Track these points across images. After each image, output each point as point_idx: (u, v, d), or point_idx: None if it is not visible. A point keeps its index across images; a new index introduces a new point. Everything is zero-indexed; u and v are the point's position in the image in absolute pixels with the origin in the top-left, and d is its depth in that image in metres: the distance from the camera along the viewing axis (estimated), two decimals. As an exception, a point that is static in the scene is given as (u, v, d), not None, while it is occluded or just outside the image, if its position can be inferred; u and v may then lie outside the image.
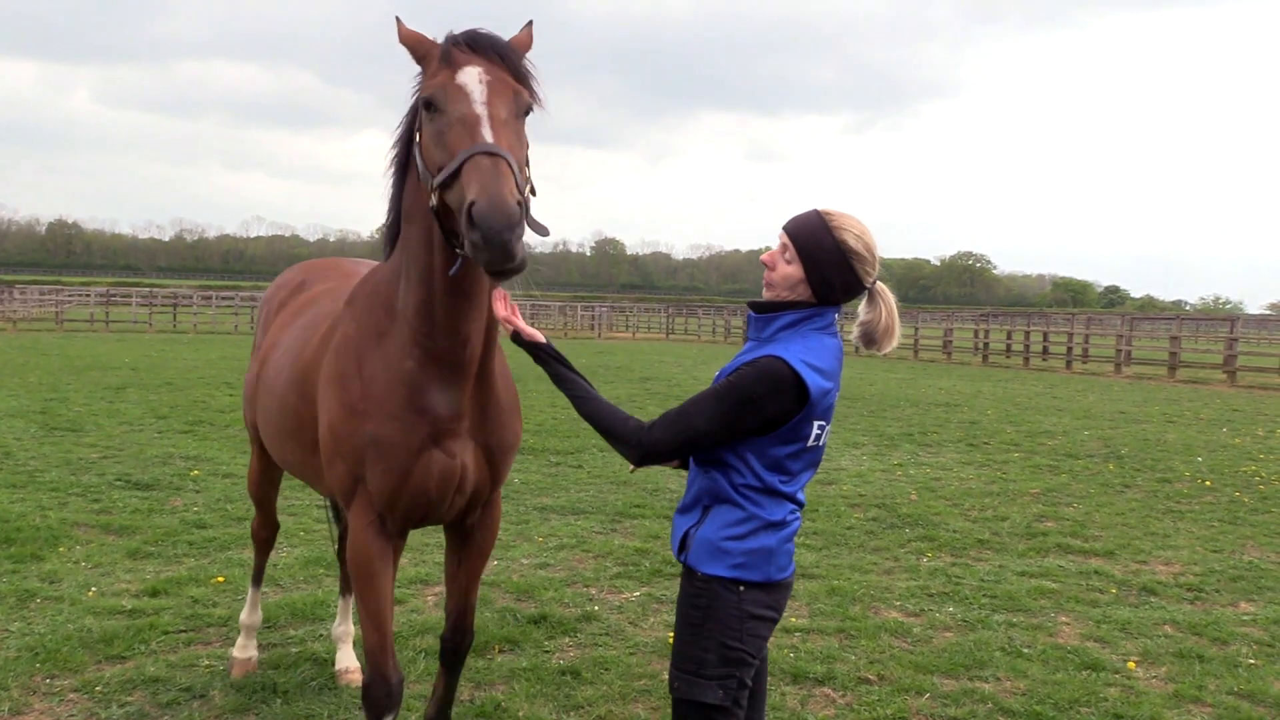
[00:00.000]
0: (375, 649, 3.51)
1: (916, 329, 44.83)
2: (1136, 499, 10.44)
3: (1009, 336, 42.03)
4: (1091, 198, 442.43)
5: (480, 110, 2.78)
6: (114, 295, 58.35)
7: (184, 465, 10.75)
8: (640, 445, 2.85)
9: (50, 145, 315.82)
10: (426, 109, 2.89)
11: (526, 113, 2.98)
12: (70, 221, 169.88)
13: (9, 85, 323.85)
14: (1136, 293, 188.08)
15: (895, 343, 2.90)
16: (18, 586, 6.33)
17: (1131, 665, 5.58)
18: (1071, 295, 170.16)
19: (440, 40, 3.06)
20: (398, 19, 3.18)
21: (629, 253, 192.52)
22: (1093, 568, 7.61)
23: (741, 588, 2.82)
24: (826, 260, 2.84)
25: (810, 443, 2.87)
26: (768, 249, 3.02)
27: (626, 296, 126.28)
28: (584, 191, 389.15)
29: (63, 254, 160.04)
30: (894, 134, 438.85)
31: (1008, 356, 38.81)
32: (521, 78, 2.99)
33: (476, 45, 2.96)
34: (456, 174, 2.68)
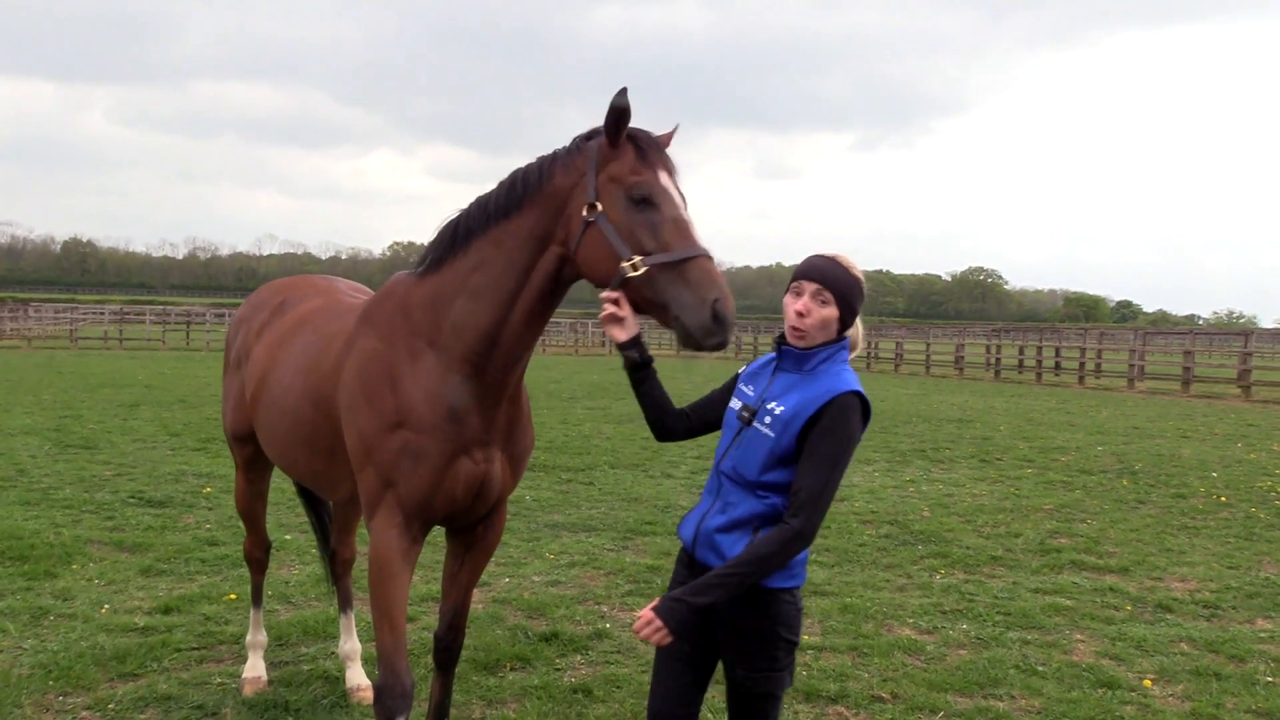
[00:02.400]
0: (390, 649, 3.60)
1: (928, 345, 44.78)
2: (1151, 515, 10.38)
3: (1021, 352, 41.92)
4: (1103, 212, 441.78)
5: (687, 216, 3.29)
6: (128, 313, 58.74)
7: (196, 482, 10.78)
8: (804, 541, 3.03)
9: (66, 165, 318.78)
10: (634, 201, 3.26)
11: None
12: (85, 240, 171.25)
13: (27, 106, 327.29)
14: (1149, 307, 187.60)
15: (860, 349, 3.35)
16: (31, 604, 6.35)
17: (1148, 683, 5.53)
18: (1084, 310, 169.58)
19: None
20: (624, 95, 3.33)
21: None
22: (1107, 584, 7.56)
23: (796, 592, 3.19)
24: (854, 295, 3.21)
25: None
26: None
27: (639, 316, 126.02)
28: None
29: (77, 272, 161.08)
30: (904, 151, 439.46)
31: (1020, 372, 38.68)
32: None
33: (655, 148, 3.37)
34: (679, 265, 3.15)
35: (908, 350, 47.17)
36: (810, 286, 3.14)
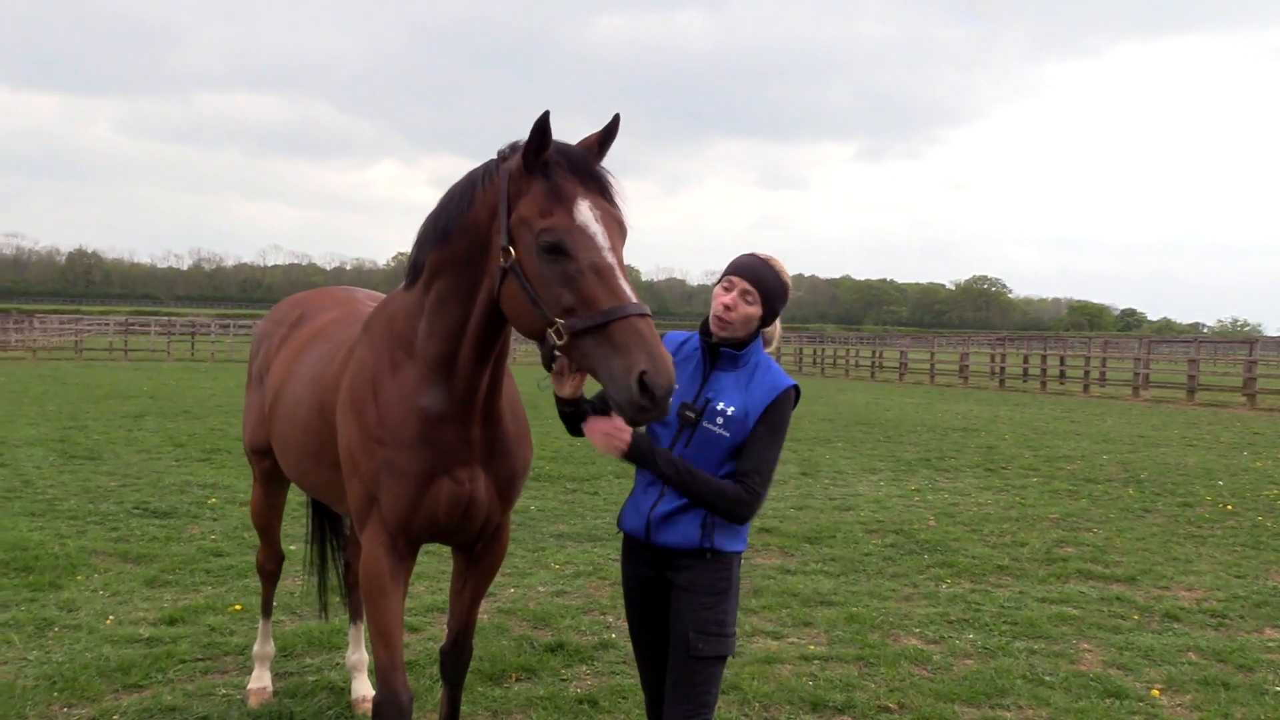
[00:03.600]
0: (386, 666, 3.55)
1: (933, 354, 44.71)
2: (1157, 524, 10.35)
3: (1025, 360, 41.87)
4: (1107, 221, 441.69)
5: (610, 260, 2.89)
6: (133, 324, 58.86)
7: (201, 493, 10.78)
8: (748, 509, 3.27)
9: (71, 176, 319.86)
10: (545, 251, 2.92)
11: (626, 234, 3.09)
12: (90, 251, 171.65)
13: (32, 118, 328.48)
14: (1154, 315, 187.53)
15: (775, 346, 3.55)
16: (36, 615, 6.35)
17: (1155, 693, 5.51)
18: (1088, 318, 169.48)
19: (500, 155, 3.15)
20: (545, 115, 3.01)
21: (644, 279, 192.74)
22: (1114, 594, 7.53)
23: (742, 556, 3.48)
24: (778, 298, 3.41)
25: None
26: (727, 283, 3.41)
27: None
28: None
29: (82, 283, 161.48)
30: (908, 160, 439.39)
31: (1024, 380, 38.65)
32: (617, 205, 3.06)
33: (577, 169, 3.00)
34: (604, 329, 2.81)
35: (912, 359, 47.11)
36: (741, 284, 3.35)
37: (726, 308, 3.34)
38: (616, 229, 2.99)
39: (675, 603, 3.40)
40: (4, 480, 11.25)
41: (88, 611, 6.48)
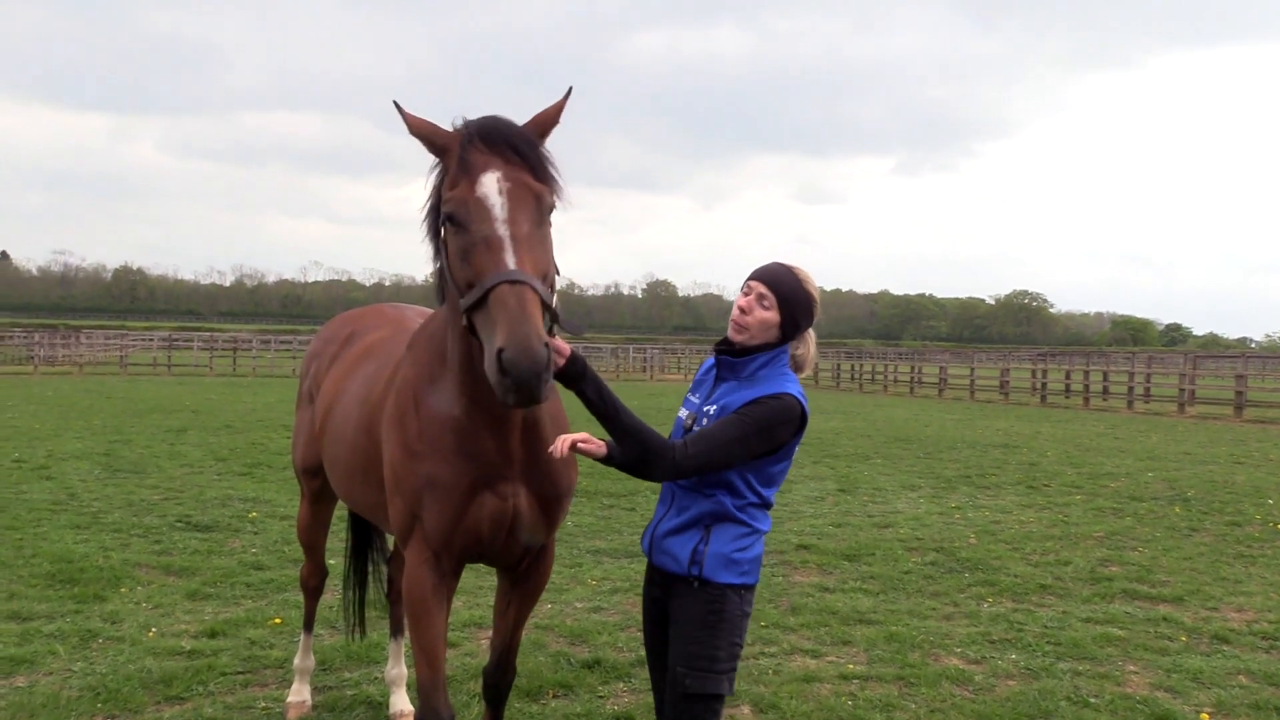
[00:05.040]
0: (428, 685, 3.53)
1: (972, 369, 44.32)
2: (1205, 543, 10.14)
3: (1068, 376, 41.36)
4: (1150, 234, 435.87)
5: (502, 231, 2.79)
6: (176, 340, 59.76)
7: (242, 507, 10.89)
8: (675, 462, 3.07)
9: (117, 194, 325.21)
10: (450, 223, 2.89)
11: (550, 211, 2.98)
12: (135, 268, 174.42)
13: (80, 137, 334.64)
14: (1199, 330, 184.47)
15: (810, 371, 3.40)
16: (81, 626, 6.43)
17: (1205, 717, 5.38)
18: (1131, 334, 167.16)
19: (454, 128, 3.05)
20: (397, 105, 3.11)
21: (680, 294, 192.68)
22: (1161, 614, 7.39)
23: (744, 591, 3.25)
24: (798, 307, 3.28)
25: (792, 458, 3.35)
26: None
27: (678, 338, 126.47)
28: (636, 234, 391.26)
29: (128, 299, 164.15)
30: (946, 174, 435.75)
31: (1067, 397, 38.15)
32: (543, 175, 2.96)
33: (492, 141, 2.92)
34: (484, 301, 2.73)
35: (951, 375, 46.73)
36: (758, 288, 3.28)
37: (741, 310, 3.29)
38: (529, 199, 2.88)
39: (669, 631, 3.33)
40: (51, 493, 11.44)
41: (131, 623, 6.56)
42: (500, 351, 2.60)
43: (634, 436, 3.08)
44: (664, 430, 3.34)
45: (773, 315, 3.25)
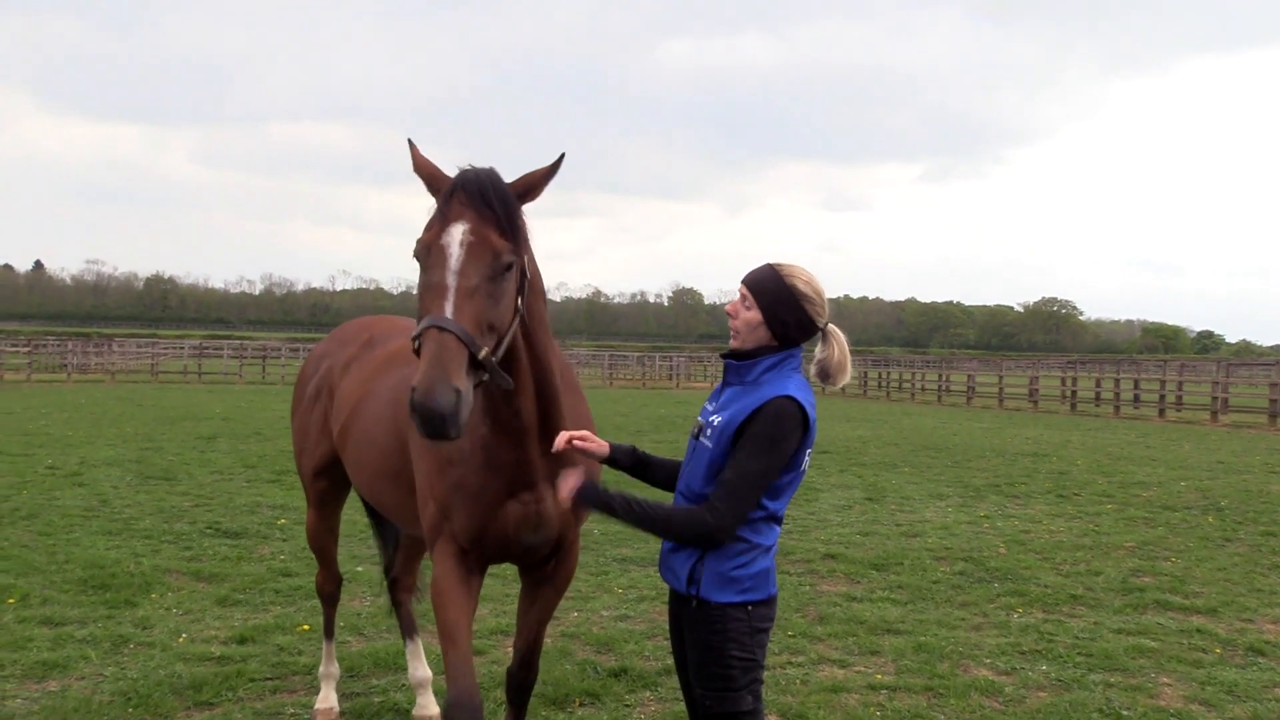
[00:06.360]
0: (454, 666, 3.62)
1: (1001, 377, 43.96)
2: (1239, 553, 10.00)
3: (1098, 384, 40.96)
4: (1181, 240, 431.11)
5: (450, 281, 2.98)
6: (206, 348, 60.37)
7: (271, 514, 10.97)
8: (715, 532, 3.07)
9: (149, 204, 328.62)
10: (417, 261, 3.10)
11: (508, 268, 3.10)
12: (166, 277, 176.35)
13: (114, 149, 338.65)
14: (1232, 337, 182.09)
15: (848, 377, 3.28)
16: (112, 631, 6.50)
17: (1240, 730, 5.30)
18: (1163, 341, 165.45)
19: (453, 172, 3.27)
20: (410, 143, 3.35)
21: (706, 303, 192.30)
22: (1194, 626, 7.29)
23: (750, 608, 3.16)
24: (780, 303, 3.20)
25: (802, 468, 3.23)
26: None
27: (704, 346, 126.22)
28: (662, 242, 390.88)
29: (159, 308, 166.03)
30: (974, 181, 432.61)
31: (1097, 405, 37.77)
32: (508, 233, 3.11)
33: (471, 193, 3.10)
34: (418, 339, 2.94)
35: (980, 383, 46.40)
36: (742, 289, 3.29)
37: (729, 315, 3.31)
38: (486, 254, 3.04)
39: (686, 649, 3.31)
40: (83, 500, 11.57)
41: (161, 629, 6.61)
42: (413, 390, 2.80)
43: (679, 534, 3.16)
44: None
45: (754, 315, 3.22)
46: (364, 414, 4.51)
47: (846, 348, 3.29)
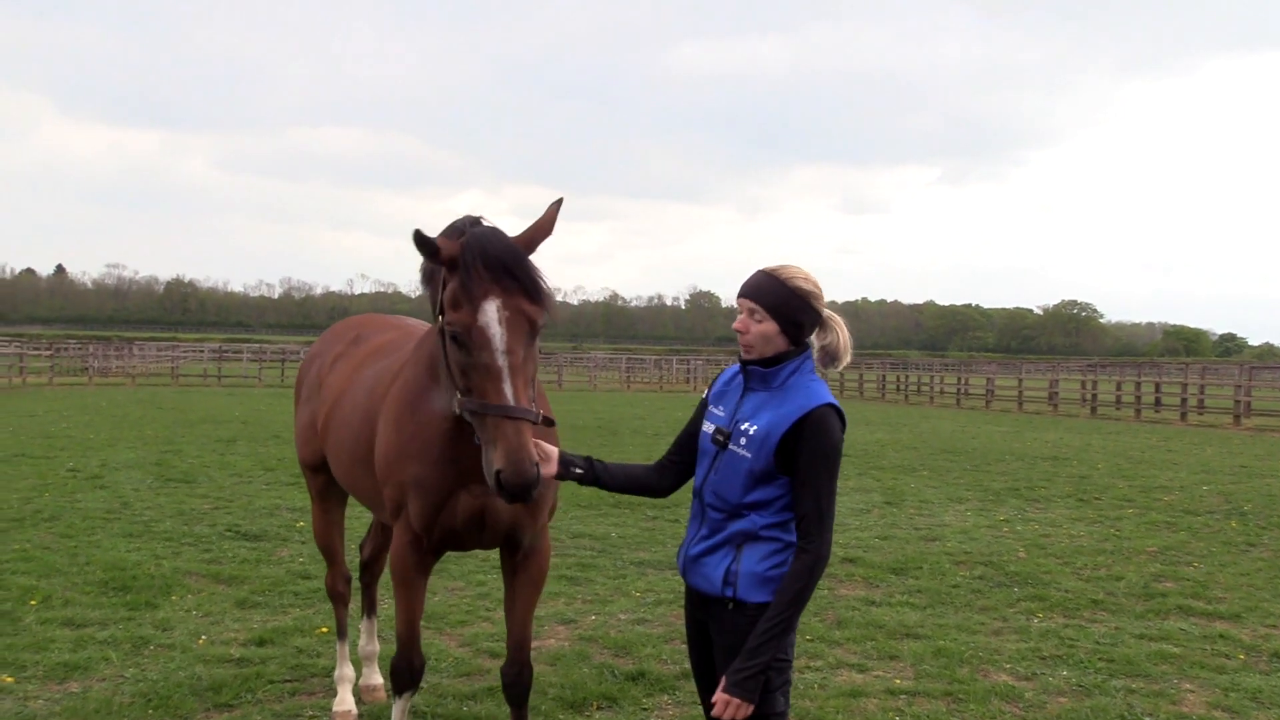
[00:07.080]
0: (404, 638, 4.12)
1: (1020, 380, 43.71)
2: (1263, 559, 9.91)
3: (1119, 387, 40.71)
4: (1203, 242, 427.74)
5: (501, 362, 3.18)
6: (226, 351, 60.65)
7: (290, 516, 11.02)
8: (824, 563, 3.11)
9: (169, 209, 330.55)
10: (454, 340, 3.25)
11: (541, 330, 3.32)
12: (186, 280, 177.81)
13: (134, 154, 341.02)
14: (1255, 340, 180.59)
15: (850, 358, 3.28)
16: (133, 633, 6.53)
17: (1265, 737, 5.25)
18: (1184, 344, 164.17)
19: (454, 226, 3.48)
20: (418, 235, 3.30)
21: (724, 305, 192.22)
22: (1217, 631, 7.22)
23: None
24: (792, 309, 3.17)
25: None
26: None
27: (721, 349, 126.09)
28: (679, 246, 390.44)
29: (179, 311, 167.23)
30: (993, 183, 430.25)
31: (1118, 408, 37.52)
32: (536, 298, 3.30)
33: (491, 266, 3.23)
34: (482, 418, 3.18)
35: (999, 386, 46.15)
36: (745, 304, 3.21)
37: (739, 331, 3.24)
38: (523, 326, 3.24)
39: (714, 653, 3.28)
40: (105, 502, 11.65)
41: (181, 631, 6.65)
42: (499, 473, 3.04)
43: (809, 588, 3.08)
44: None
45: (768, 326, 3.17)
46: (343, 405, 4.68)
47: (846, 329, 3.31)
